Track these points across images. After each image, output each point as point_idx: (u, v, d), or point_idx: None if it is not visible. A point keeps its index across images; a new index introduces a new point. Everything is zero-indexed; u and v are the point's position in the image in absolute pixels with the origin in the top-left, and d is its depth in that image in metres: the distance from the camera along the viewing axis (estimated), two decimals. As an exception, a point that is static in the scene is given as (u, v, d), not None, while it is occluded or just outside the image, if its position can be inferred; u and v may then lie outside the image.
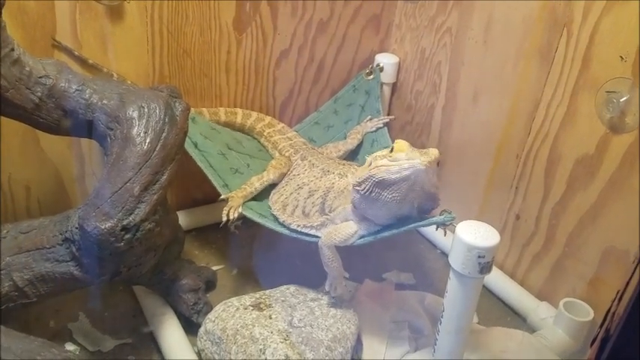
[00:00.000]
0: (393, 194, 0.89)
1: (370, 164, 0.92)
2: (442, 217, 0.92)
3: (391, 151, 0.89)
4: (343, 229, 0.98)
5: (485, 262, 0.82)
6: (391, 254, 1.30)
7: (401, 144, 0.89)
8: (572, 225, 1.08)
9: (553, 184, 1.10)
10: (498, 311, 1.18)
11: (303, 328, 0.97)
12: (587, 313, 1.04)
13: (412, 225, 0.94)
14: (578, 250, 1.08)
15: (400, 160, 0.87)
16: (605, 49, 0.97)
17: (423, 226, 0.97)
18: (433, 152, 0.88)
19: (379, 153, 0.92)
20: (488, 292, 1.20)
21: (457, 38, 1.24)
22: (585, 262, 1.07)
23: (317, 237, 1.03)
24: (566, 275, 1.11)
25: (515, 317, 1.16)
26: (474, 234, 0.83)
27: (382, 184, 0.89)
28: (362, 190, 0.91)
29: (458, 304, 0.87)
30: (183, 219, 1.24)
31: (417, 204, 0.91)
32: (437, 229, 0.99)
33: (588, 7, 0.98)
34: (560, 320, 1.06)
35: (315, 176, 1.14)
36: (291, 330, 0.96)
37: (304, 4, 1.28)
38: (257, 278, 1.20)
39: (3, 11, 0.83)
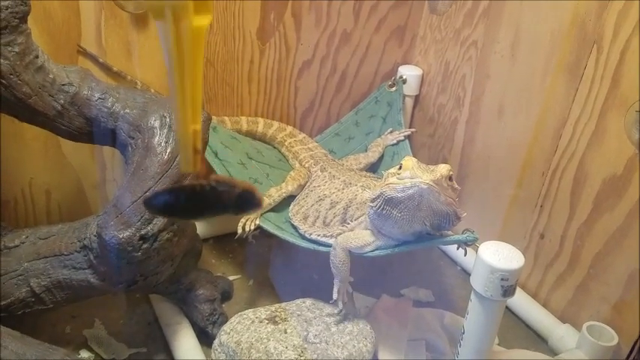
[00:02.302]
0: (402, 213, 0.87)
1: (385, 180, 0.90)
2: (464, 236, 0.90)
3: (399, 168, 0.88)
4: (362, 235, 0.97)
5: (508, 285, 0.80)
6: (410, 270, 1.28)
7: (407, 161, 0.87)
8: (598, 246, 1.05)
9: (579, 203, 1.07)
10: (519, 332, 1.15)
11: (318, 345, 0.95)
12: (611, 338, 1.01)
13: (432, 242, 0.92)
14: (603, 273, 1.05)
15: (405, 178, 0.85)
16: (636, 67, 0.95)
17: (444, 244, 0.95)
18: (440, 169, 0.85)
19: (391, 170, 0.91)
20: (509, 311, 1.17)
21: (483, 51, 1.23)
22: (610, 285, 1.04)
23: None
24: (590, 298, 1.08)
25: (536, 339, 1.13)
26: (497, 255, 0.80)
27: (391, 202, 0.87)
28: (375, 207, 0.90)
29: (479, 327, 0.85)
30: (200, 227, 1.23)
31: (430, 223, 0.89)
32: (458, 248, 0.97)
33: (619, 24, 0.96)
34: (583, 344, 1.03)
35: (336, 188, 1.12)
36: (306, 346, 0.95)
37: (328, 14, 1.27)
38: (273, 290, 1.19)
39: (28, 17, 0.84)
